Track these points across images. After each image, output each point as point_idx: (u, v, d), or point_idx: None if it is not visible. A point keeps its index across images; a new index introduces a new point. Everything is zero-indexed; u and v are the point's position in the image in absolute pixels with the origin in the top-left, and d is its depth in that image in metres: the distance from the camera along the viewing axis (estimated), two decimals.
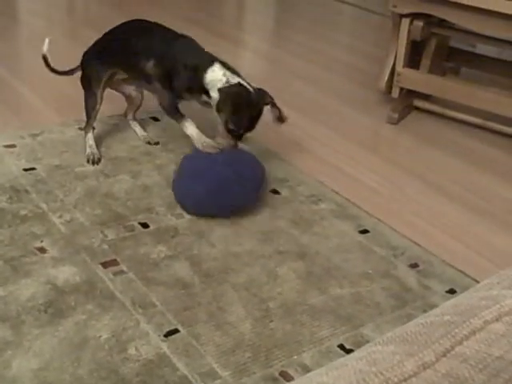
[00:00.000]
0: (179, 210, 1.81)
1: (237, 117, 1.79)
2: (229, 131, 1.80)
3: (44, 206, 1.77)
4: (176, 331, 1.38)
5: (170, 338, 1.36)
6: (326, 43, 3.81)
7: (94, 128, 2.07)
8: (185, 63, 1.86)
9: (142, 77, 1.94)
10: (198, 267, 1.58)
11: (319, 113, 2.64)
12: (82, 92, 2.04)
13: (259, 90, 1.89)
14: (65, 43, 3.28)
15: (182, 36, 1.98)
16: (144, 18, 2.12)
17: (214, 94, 1.80)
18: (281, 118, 1.95)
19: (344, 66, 3.33)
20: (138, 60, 1.91)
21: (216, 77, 1.81)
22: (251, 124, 1.83)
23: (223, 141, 1.82)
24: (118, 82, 2.08)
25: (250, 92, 1.82)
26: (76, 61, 2.08)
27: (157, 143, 2.16)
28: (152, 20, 2.10)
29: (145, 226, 1.73)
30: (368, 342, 1.38)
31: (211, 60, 1.86)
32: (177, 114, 1.89)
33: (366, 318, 1.46)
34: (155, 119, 2.36)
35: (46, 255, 1.57)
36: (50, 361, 1.27)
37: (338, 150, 2.29)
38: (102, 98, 2.01)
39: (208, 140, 1.83)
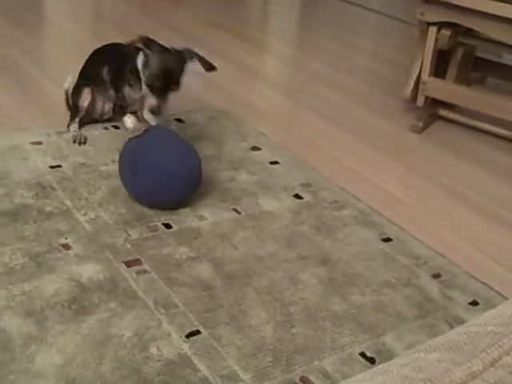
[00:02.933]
0: (202, 212, 1.81)
1: (155, 71, 1.90)
2: (152, 89, 1.90)
3: (69, 203, 1.78)
4: (197, 332, 1.38)
5: (191, 339, 1.36)
6: (350, 49, 3.81)
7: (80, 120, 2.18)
8: (119, 61, 2.04)
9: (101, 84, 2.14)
10: (221, 269, 1.59)
11: (342, 118, 2.64)
12: None
13: (184, 48, 1.97)
14: (90, 42, 3.31)
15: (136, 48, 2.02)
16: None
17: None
18: (210, 68, 2.04)
19: (368, 73, 3.32)
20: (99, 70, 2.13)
21: (141, 58, 1.94)
22: (172, 77, 1.91)
23: (148, 116, 1.96)
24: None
25: (166, 49, 1.91)
26: None
27: None
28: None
29: (168, 226, 1.74)
30: (390, 350, 1.38)
31: (138, 50, 1.95)
32: (120, 112, 2.04)
33: (388, 326, 1.46)
34: (180, 120, 2.37)
35: (70, 252, 1.59)
36: (73, 357, 1.28)
37: (361, 157, 2.29)
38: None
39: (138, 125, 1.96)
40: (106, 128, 2.21)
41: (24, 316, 1.36)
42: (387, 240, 1.78)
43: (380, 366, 0.44)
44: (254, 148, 2.24)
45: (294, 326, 1.43)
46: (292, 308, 1.48)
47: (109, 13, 4.36)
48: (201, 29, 3.84)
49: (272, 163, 2.15)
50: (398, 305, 1.53)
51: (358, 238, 1.78)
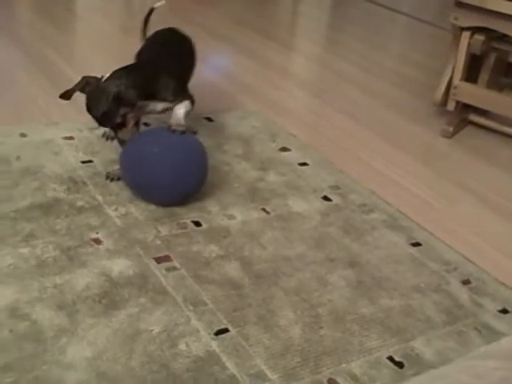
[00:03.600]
0: (231, 211, 1.82)
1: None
2: None
3: (100, 198, 1.80)
4: (226, 330, 1.39)
5: (219, 336, 1.37)
6: (378, 51, 3.79)
7: None
8: None
9: None
10: (249, 268, 1.59)
11: (370, 120, 2.63)
12: None
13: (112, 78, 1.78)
14: (120, 38, 3.34)
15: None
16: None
17: None
18: None
19: (396, 75, 3.31)
20: None
21: None
22: (90, 110, 1.76)
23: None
24: None
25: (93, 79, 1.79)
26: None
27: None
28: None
29: (197, 224, 1.75)
30: (418, 355, 1.38)
31: None
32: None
33: (417, 331, 1.45)
34: (209, 119, 2.38)
35: (101, 247, 1.60)
36: (104, 350, 1.29)
37: (390, 160, 2.28)
38: None
39: None
40: None
41: (56, 309, 1.38)
42: (416, 244, 1.78)
43: (434, 371, 0.44)
44: (283, 149, 2.24)
45: (322, 328, 1.43)
46: (320, 309, 1.48)
47: (138, 9, 4.39)
48: (229, 27, 3.85)
49: (301, 164, 2.15)
50: (427, 310, 1.52)
51: (386, 241, 1.77)
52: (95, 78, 1.78)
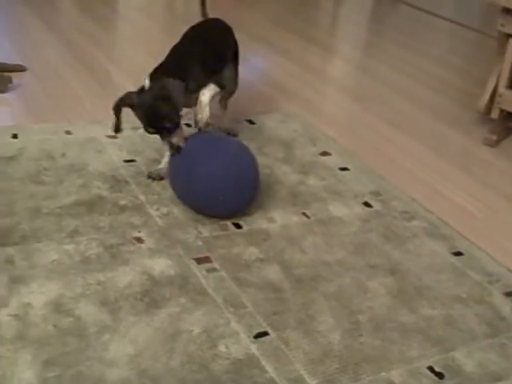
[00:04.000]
0: (272, 214, 1.83)
1: (140, 120, 1.76)
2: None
3: (142, 197, 1.82)
4: (265, 334, 1.39)
5: (259, 339, 1.37)
6: (419, 56, 3.76)
7: None
8: None
9: None
10: (289, 272, 1.59)
11: (411, 126, 2.61)
12: None
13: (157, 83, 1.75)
14: (162, 38, 3.37)
15: None
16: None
17: None
18: None
19: (437, 81, 3.27)
20: None
21: None
22: (152, 121, 1.73)
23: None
24: None
25: (138, 93, 1.76)
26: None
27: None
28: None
29: (238, 226, 1.75)
30: (460, 367, 1.36)
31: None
32: None
33: (458, 342, 1.43)
34: (250, 122, 2.39)
35: (142, 245, 1.62)
36: (145, 348, 1.31)
37: (432, 168, 2.26)
38: None
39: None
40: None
41: (99, 305, 1.40)
42: (458, 254, 1.76)
43: None
44: (324, 153, 2.24)
45: (361, 335, 1.42)
46: (360, 316, 1.48)
47: (180, 9, 4.43)
48: (268, 29, 3.86)
49: (341, 169, 2.14)
50: (469, 321, 1.50)
51: (427, 250, 1.76)
52: (137, 92, 1.76)
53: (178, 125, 1.73)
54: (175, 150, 1.73)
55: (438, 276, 1.65)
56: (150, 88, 1.74)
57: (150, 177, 1.91)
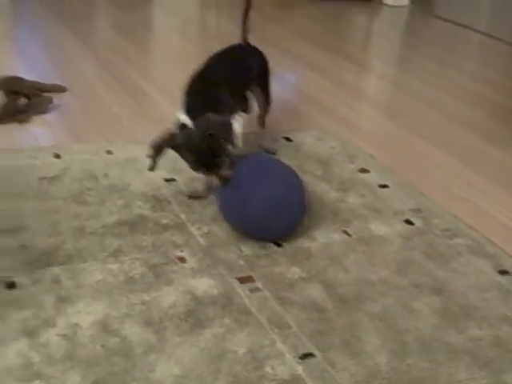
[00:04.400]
0: (313, 233, 1.82)
1: (187, 160, 1.75)
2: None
3: (184, 216, 1.83)
4: (311, 355, 1.38)
5: (305, 360, 1.36)
6: (454, 70, 3.73)
7: None
8: None
9: None
10: (332, 292, 1.58)
11: (448, 142, 2.58)
12: None
13: (206, 120, 1.72)
14: (197, 57, 3.40)
15: None
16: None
17: None
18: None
19: (473, 95, 3.24)
20: None
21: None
22: (204, 160, 1.71)
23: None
24: None
25: (183, 134, 1.73)
26: None
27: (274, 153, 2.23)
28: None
29: (279, 245, 1.75)
30: None
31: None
32: None
33: (508, 364, 1.40)
34: (288, 139, 2.39)
35: (185, 265, 1.63)
36: (191, 369, 1.31)
37: (471, 184, 2.23)
38: None
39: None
40: None
41: (144, 325, 1.41)
42: (504, 272, 1.73)
43: None
44: (363, 170, 2.23)
45: (409, 356, 1.40)
46: (406, 337, 1.46)
47: (213, 28, 4.47)
48: (301, 45, 3.87)
49: (381, 186, 2.13)
50: None
51: (472, 268, 1.73)
52: (181, 132, 1.73)
53: (226, 157, 1.71)
54: (225, 182, 1.70)
55: (484, 295, 1.63)
56: (196, 127, 1.71)
57: (190, 196, 1.92)
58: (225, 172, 1.69)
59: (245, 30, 2.16)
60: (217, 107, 1.77)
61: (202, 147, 1.67)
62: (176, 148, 1.72)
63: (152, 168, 1.74)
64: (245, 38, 2.16)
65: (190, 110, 1.76)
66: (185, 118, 1.75)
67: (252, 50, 2.15)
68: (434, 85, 3.38)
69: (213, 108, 1.75)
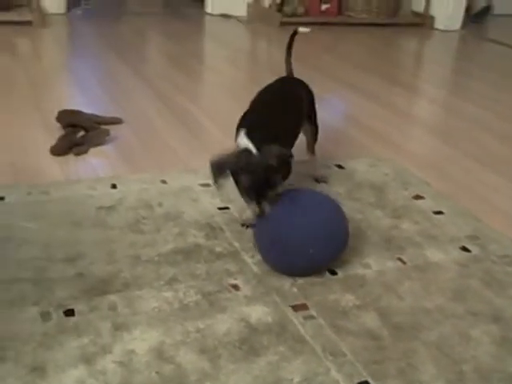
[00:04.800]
0: (367, 260, 1.81)
1: (239, 186, 1.72)
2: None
3: (237, 244, 1.85)
4: (366, 383, 1.36)
5: None
6: (506, 93, 3.67)
7: None
8: None
9: None
10: (387, 320, 1.56)
11: (503, 166, 2.54)
12: None
13: (269, 148, 1.70)
14: (249, 86, 3.46)
15: None
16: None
17: None
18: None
19: None
20: None
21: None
22: (260, 188, 1.67)
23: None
24: None
25: (246, 157, 1.70)
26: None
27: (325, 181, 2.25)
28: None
29: (333, 272, 1.74)
30: None
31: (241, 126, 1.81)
32: None
33: None
34: (340, 167, 2.39)
35: (239, 293, 1.64)
36: None
37: None
38: None
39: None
40: None
41: (198, 353, 1.42)
42: None
43: None
44: (417, 196, 2.21)
45: None
46: (464, 366, 1.42)
47: (263, 57, 4.54)
48: (351, 71, 3.89)
49: (436, 213, 2.10)
50: None
51: None
52: (244, 156, 1.71)
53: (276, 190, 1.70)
54: (262, 213, 1.69)
55: None
56: (260, 155, 1.69)
57: (243, 224, 1.94)
58: (267, 204, 1.67)
59: (289, 63, 2.18)
60: (281, 139, 1.77)
61: (262, 176, 1.66)
62: (236, 171, 1.71)
63: (218, 185, 1.75)
64: (290, 71, 2.18)
65: (254, 138, 1.74)
66: (248, 143, 1.73)
67: (299, 82, 2.17)
68: (488, 108, 3.33)
69: (277, 139, 1.74)
